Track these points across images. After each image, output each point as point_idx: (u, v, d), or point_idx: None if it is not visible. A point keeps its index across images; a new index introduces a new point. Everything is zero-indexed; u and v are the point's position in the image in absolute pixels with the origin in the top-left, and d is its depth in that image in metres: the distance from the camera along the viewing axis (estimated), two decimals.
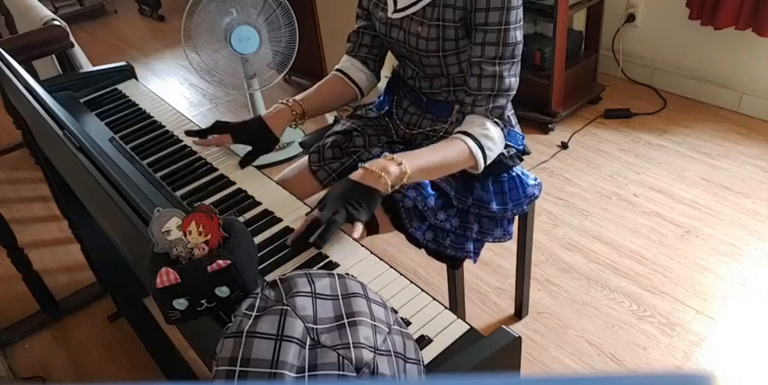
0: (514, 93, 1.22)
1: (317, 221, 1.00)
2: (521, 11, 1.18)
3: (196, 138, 1.32)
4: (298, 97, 1.37)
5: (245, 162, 1.28)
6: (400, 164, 1.09)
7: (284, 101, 1.35)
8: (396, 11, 1.28)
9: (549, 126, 2.66)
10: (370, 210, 1.06)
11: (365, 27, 1.40)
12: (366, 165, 1.09)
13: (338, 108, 1.48)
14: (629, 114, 2.72)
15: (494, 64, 1.18)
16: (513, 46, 1.18)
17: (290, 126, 1.36)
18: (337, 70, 1.43)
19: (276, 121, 1.32)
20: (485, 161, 1.20)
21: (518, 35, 1.19)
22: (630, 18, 2.84)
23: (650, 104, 2.80)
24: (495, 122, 1.20)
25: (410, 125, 1.41)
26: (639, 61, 2.93)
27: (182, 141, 1.37)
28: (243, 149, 1.31)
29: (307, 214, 1.09)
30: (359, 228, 1.02)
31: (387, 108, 1.48)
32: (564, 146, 2.58)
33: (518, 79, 1.22)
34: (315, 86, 1.42)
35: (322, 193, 1.37)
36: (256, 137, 1.31)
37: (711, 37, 2.60)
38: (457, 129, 1.21)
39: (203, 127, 1.35)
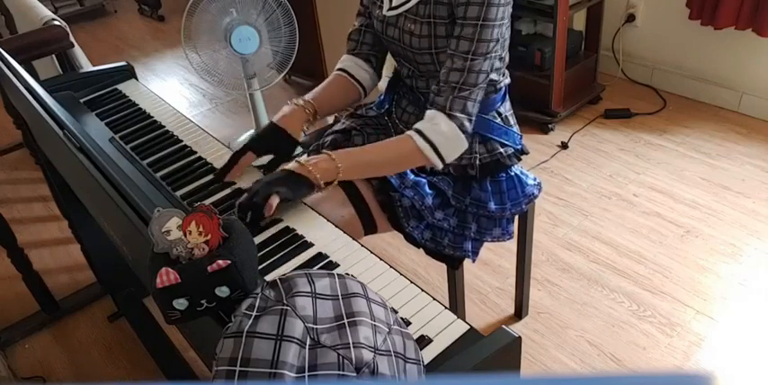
0: (482, 88, 1.19)
1: (243, 206, 1.05)
2: (505, 9, 1.16)
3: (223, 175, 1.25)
4: (307, 96, 1.34)
5: (267, 169, 1.25)
6: (333, 159, 1.13)
7: (294, 101, 1.31)
8: (390, 8, 1.27)
9: (549, 126, 2.66)
10: (296, 193, 1.09)
11: (367, 25, 1.39)
12: (300, 158, 1.13)
13: (345, 108, 1.47)
14: (629, 114, 2.72)
15: (465, 59, 1.16)
16: (488, 43, 1.15)
17: (304, 128, 1.31)
18: (340, 70, 1.41)
19: (292, 124, 1.28)
20: (440, 157, 1.20)
21: (495, 33, 1.16)
22: (630, 18, 2.84)
23: (650, 104, 2.80)
24: (451, 115, 1.18)
25: (409, 124, 1.41)
26: (639, 61, 2.93)
27: (182, 141, 1.37)
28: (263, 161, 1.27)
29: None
30: (275, 202, 1.05)
31: (387, 107, 1.48)
32: (564, 146, 2.58)
33: (490, 75, 1.20)
34: (320, 86, 1.39)
35: (321, 194, 1.37)
36: (275, 144, 1.27)
37: (711, 37, 2.60)
38: (413, 126, 1.21)
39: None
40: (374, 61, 1.42)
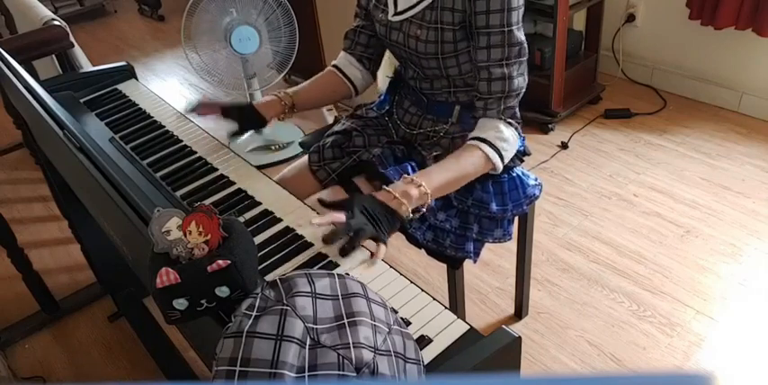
0: (524, 91, 1.24)
1: (347, 226, 1.00)
2: (521, 11, 1.18)
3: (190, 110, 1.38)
4: (290, 90, 1.41)
5: (232, 136, 1.37)
6: (420, 186, 1.11)
7: (276, 93, 1.39)
8: (396, 13, 1.28)
9: (549, 126, 2.66)
10: (391, 232, 1.08)
11: (363, 26, 1.40)
12: (389, 188, 1.11)
13: (332, 103, 1.51)
14: (629, 114, 2.72)
15: (501, 66, 1.19)
16: (518, 46, 1.18)
17: (278, 118, 1.40)
18: (333, 66, 1.45)
19: (264, 109, 1.37)
20: (502, 162, 1.23)
21: (520, 35, 1.19)
22: (630, 18, 2.84)
23: (650, 104, 2.80)
24: (508, 123, 1.23)
25: (410, 125, 1.42)
26: (639, 61, 2.93)
27: (182, 141, 1.37)
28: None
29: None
30: (382, 250, 1.02)
31: (387, 108, 1.48)
32: (564, 146, 2.58)
33: (526, 78, 1.23)
34: (309, 80, 1.45)
35: (322, 193, 1.38)
36: (244, 114, 1.36)
37: (711, 37, 2.60)
38: (471, 135, 1.23)
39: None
40: (366, 63, 1.44)
